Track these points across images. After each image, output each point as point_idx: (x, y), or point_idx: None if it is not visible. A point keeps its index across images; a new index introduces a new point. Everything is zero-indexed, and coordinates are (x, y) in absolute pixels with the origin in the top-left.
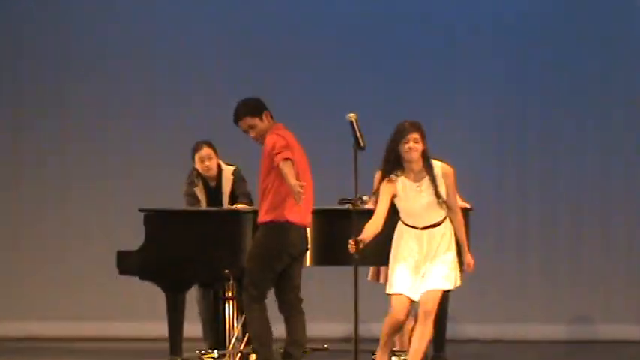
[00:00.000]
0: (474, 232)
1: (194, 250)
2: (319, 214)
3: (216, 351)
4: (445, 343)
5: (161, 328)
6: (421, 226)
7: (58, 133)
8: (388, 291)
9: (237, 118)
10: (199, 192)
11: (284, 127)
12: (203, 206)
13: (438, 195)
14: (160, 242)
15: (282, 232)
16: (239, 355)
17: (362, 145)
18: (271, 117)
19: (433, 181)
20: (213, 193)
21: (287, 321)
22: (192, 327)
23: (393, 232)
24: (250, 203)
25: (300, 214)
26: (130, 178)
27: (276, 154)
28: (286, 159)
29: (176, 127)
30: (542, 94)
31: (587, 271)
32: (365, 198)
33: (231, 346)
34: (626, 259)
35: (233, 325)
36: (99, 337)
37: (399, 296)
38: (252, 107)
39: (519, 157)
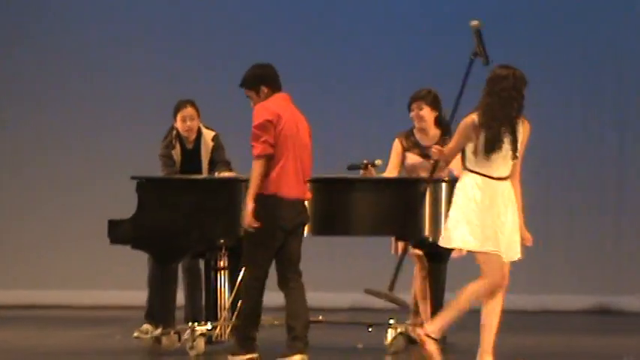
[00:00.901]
0: None
1: (188, 219)
2: (319, 183)
3: (209, 323)
4: None
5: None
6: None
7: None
8: (480, 248)
9: (240, 85)
10: (175, 154)
11: (283, 99)
12: (178, 169)
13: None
14: (152, 211)
15: (272, 207)
16: (230, 326)
17: (489, 59)
18: (273, 90)
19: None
20: (189, 155)
21: (287, 295)
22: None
23: (391, 200)
24: (231, 171)
25: (293, 186)
26: (121, 146)
27: (252, 138)
28: (258, 156)
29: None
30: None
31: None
32: (378, 162)
33: (222, 318)
34: None
35: (225, 296)
36: (86, 305)
37: (497, 255)
38: (252, 79)
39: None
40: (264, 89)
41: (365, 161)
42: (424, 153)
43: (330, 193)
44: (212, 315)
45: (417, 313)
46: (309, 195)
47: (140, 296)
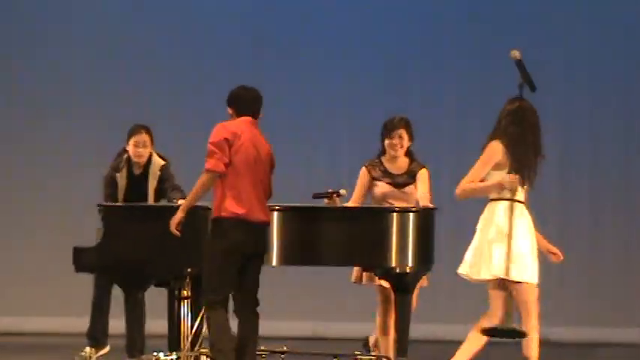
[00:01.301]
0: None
1: (155, 248)
2: (288, 212)
3: (174, 353)
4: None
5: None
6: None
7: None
8: (528, 279)
9: None
10: (120, 178)
11: (245, 122)
12: (121, 193)
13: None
14: (118, 238)
15: (229, 229)
16: (194, 357)
17: (534, 86)
18: (238, 113)
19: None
20: (137, 180)
21: (241, 324)
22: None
23: (358, 230)
24: (184, 197)
25: (255, 209)
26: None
27: (207, 154)
28: (208, 170)
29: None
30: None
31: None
32: (342, 192)
33: (185, 348)
34: None
35: (188, 325)
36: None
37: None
38: (227, 97)
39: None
40: (229, 110)
41: (330, 190)
42: (395, 181)
43: (299, 223)
44: (175, 344)
45: (366, 345)
46: (269, 219)
47: (82, 322)
